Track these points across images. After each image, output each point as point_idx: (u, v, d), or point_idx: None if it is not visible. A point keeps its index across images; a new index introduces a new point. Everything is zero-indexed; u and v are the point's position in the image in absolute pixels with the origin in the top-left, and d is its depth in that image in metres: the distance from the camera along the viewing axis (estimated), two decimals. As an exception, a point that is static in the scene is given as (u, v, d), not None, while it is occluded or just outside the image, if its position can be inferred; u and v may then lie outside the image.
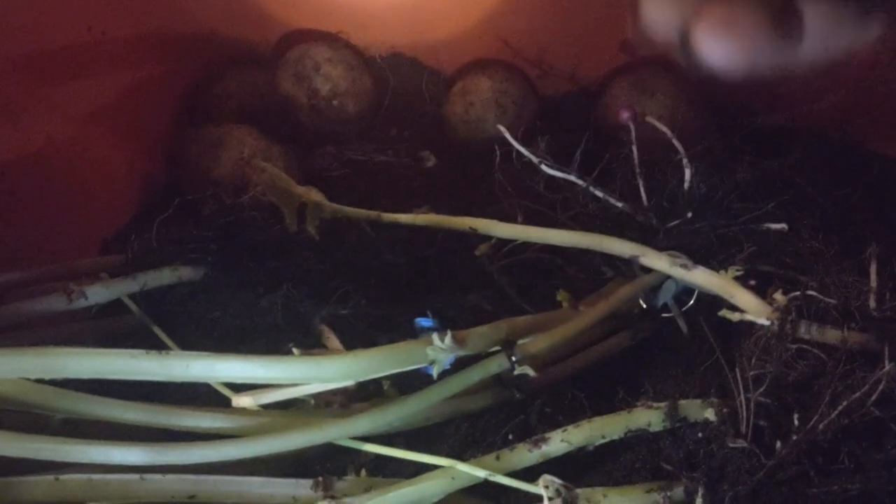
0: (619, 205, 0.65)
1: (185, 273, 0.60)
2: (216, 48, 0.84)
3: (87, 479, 0.46)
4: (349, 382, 0.49)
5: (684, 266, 0.59)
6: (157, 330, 0.57)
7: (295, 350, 0.49)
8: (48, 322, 0.55)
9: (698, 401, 0.52)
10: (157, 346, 0.55)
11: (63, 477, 0.46)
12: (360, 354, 0.48)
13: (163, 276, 0.58)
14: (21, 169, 0.65)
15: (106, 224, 0.71)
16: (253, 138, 0.75)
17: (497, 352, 0.55)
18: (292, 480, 0.49)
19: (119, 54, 0.75)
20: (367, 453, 0.51)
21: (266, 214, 0.65)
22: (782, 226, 0.61)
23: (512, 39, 0.87)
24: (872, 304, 0.53)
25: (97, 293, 0.55)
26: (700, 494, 0.48)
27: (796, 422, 0.48)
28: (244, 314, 0.59)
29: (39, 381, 0.47)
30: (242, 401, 0.48)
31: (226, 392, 0.52)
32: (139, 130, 0.77)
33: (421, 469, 0.50)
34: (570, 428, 0.51)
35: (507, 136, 0.67)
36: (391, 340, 0.51)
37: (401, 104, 0.87)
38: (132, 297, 0.58)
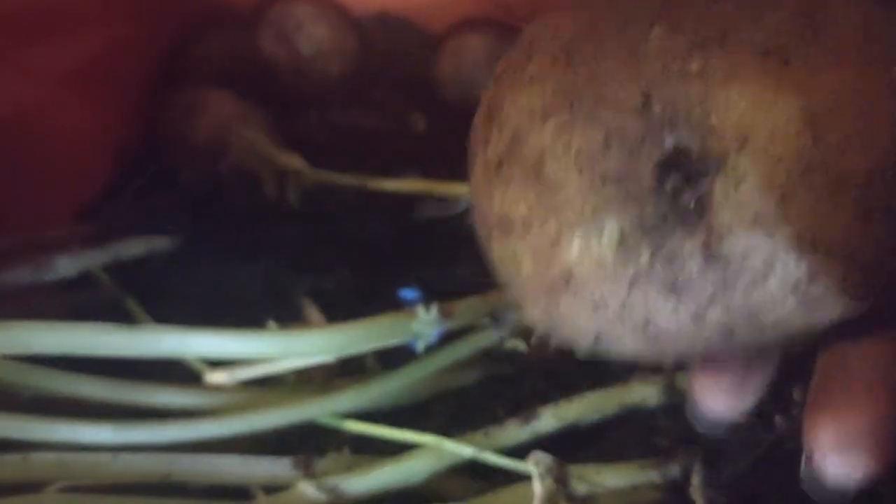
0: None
1: (159, 243, 0.57)
2: (194, 8, 0.81)
3: (57, 457, 0.45)
4: (329, 357, 0.47)
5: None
6: (130, 303, 0.54)
7: (271, 323, 0.47)
8: (15, 296, 0.53)
9: (696, 375, 0.50)
10: (131, 321, 0.53)
11: (32, 455, 0.44)
12: (340, 328, 0.47)
13: (135, 247, 0.56)
14: (-8, 134, 0.62)
15: (80, 193, 0.68)
16: (232, 102, 0.72)
17: (487, 325, 0.53)
18: (271, 459, 0.47)
19: (91, 15, 0.72)
20: (349, 432, 0.50)
21: (245, 182, 0.62)
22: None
23: (504, -3, 0.83)
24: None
25: (66, 265, 0.53)
26: (697, 471, 0.47)
27: (796, 396, 0.46)
28: (222, 287, 0.57)
29: (5, 356, 0.45)
30: (217, 377, 0.46)
31: (200, 369, 0.50)
32: (113, 95, 0.74)
33: (407, 447, 0.48)
34: (563, 403, 0.50)
35: (498, 97, 0.64)
36: (376, 313, 0.49)
37: (388, 65, 0.83)
38: (105, 269, 0.55)
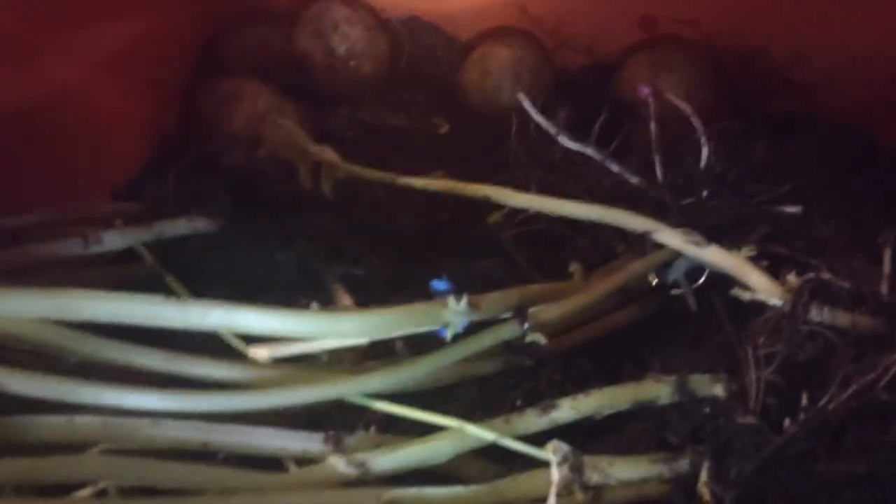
0: (635, 180, 0.65)
1: (201, 224, 0.59)
2: (233, 1, 0.83)
3: (101, 421, 0.46)
4: (366, 339, 0.49)
5: (697, 244, 0.59)
6: (169, 280, 0.56)
7: (313, 305, 0.49)
8: (62, 266, 0.54)
9: (707, 376, 0.52)
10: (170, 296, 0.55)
11: (78, 418, 0.46)
12: (378, 312, 0.49)
13: (178, 227, 0.58)
14: (35, 112, 0.64)
15: (117, 172, 0.70)
16: (267, 94, 0.75)
17: (509, 318, 0.55)
18: (304, 433, 0.49)
19: (135, 2, 0.74)
20: (376, 411, 0.51)
21: (280, 170, 0.65)
22: (797, 209, 0.62)
23: (531, 9, 0.86)
24: (884, 289, 0.53)
25: (113, 240, 0.55)
26: (706, 468, 0.49)
27: (805, 401, 0.48)
28: (258, 269, 0.59)
29: (56, 322, 0.47)
30: (259, 353, 0.48)
31: (237, 345, 0.52)
32: (153, 80, 0.76)
33: (430, 429, 0.50)
34: (580, 396, 0.52)
35: (527, 105, 0.67)
36: (402, 301, 0.51)
37: (416, 68, 0.86)
38: (146, 246, 0.57)
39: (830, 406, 0.47)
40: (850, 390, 0.47)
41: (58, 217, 0.57)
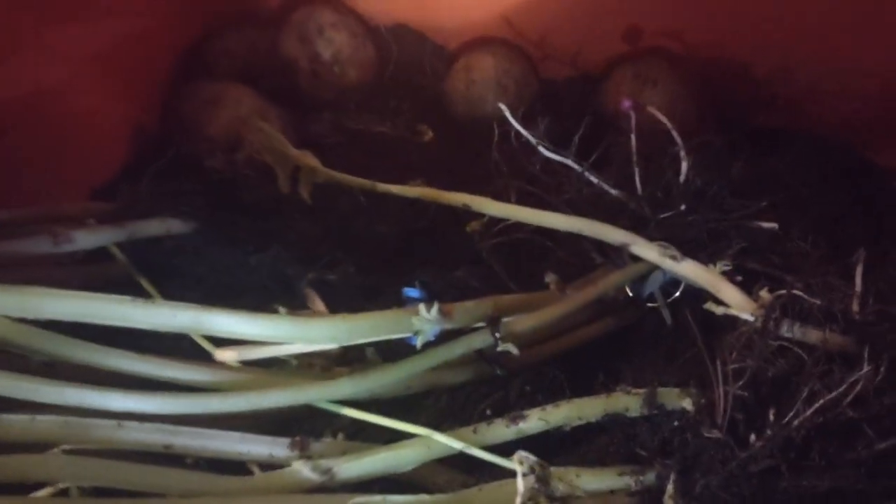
0: (614, 192, 0.65)
1: (175, 226, 0.59)
2: (219, 4, 0.83)
3: (63, 421, 0.46)
4: (335, 345, 0.49)
5: (673, 257, 0.59)
6: (142, 280, 0.56)
7: (281, 309, 0.49)
8: (32, 264, 0.54)
9: (677, 390, 0.52)
10: (141, 296, 0.54)
11: (40, 417, 0.46)
12: (348, 318, 0.49)
13: (151, 227, 0.58)
14: (10, 109, 0.64)
15: (95, 171, 0.70)
16: (250, 98, 0.74)
17: (482, 328, 0.55)
18: (270, 438, 0.49)
19: (119, 2, 0.74)
20: (344, 418, 0.51)
21: (259, 175, 0.65)
22: (773, 225, 0.62)
23: (516, 20, 0.86)
24: (855, 307, 0.53)
25: (84, 238, 0.55)
26: (672, 481, 0.49)
27: (772, 417, 0.48)
28: (231, 272, 0.59)
29: (21, 320, 0.46)
30: (226, 355, 0.48)
31: (207, 347, 0.52)
32: (135, 81, 0.76)
33: (398, 437, 0.50)
34: (549, 407, 0.52)
35: (508, 115, 0.67)
36: (376, 308, 0.51)
37: (402, 76, 0.86)
38: (119, 246, 0.57)
39: (796, 422, 0.47)
40: (816, 406, 0.47)
41: (29, 214, 0.57)
